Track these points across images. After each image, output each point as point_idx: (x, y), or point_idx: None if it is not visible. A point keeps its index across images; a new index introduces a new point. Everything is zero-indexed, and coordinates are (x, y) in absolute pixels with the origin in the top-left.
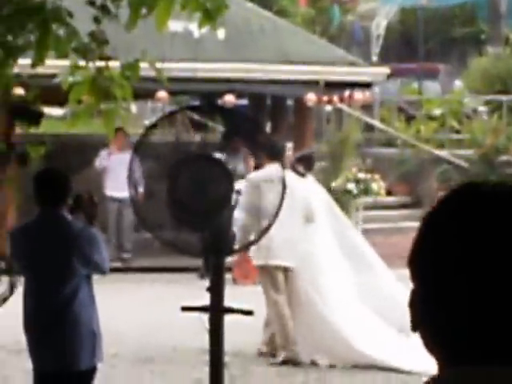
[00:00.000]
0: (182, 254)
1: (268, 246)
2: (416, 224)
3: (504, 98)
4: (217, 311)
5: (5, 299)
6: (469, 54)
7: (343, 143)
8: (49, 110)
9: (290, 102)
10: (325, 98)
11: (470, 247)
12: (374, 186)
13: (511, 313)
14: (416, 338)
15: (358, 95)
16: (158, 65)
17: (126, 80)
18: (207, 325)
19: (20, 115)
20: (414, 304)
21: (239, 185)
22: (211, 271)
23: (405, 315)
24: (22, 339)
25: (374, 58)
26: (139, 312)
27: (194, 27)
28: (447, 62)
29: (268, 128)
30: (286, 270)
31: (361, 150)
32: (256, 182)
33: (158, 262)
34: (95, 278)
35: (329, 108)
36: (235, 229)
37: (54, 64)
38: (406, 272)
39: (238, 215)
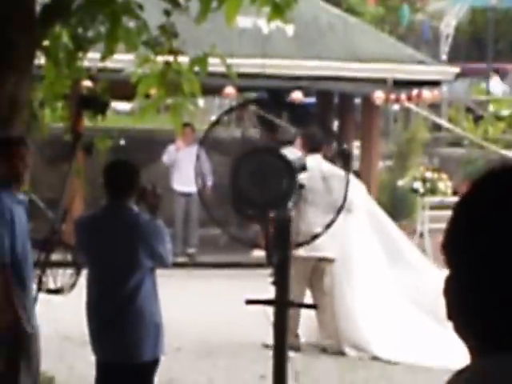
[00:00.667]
0: (248, 248)
1: None
2: None
3: None
4: (282, 304)
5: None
6: None
7: (410, 142)
8: (116, 105)
9: (357, 101)
10: (392, 97)
11: (505, 231)
12: (441, 186)
13: None
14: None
15: (427, 94)
16: (227, 60)
17: (195, 74)
18: (272, 318)
19: (86, 105)
20: (448, 291)
21: (303, 178)
22: (276, 265)
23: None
24: (86, 330)
25: (443, 58)
26: (204, 307)
27: (262, 23)
28: None
29: (335, 126)
30: (327, 261)
31: (428, 149)
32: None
33: (223, 258)
34: (161, 272)
35: (396, 107)
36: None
37: (122, 59)
38: None
39: (303, 208)
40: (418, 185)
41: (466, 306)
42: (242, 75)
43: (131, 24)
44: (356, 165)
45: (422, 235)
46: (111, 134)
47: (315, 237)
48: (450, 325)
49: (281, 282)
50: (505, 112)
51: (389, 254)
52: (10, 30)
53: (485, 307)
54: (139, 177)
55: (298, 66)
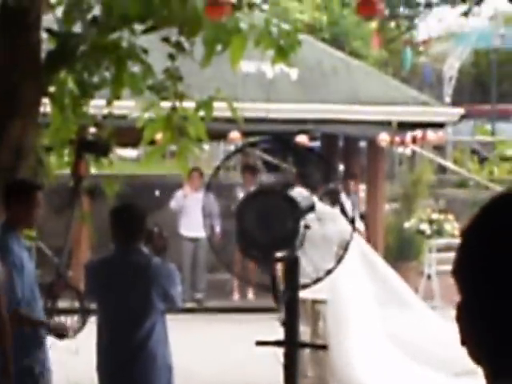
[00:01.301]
0: (258, 290)
1: None
2: None
3: None
4: (292, 345)
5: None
6: None
7: (416, 184)
8: (122, 152)
9: (363, 143)
10: (397, 139)
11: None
12: (448, 227)
13: None
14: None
15: (431, 136)
16: (233, 104)
17: (200, 119)
18: (282, 359)
19: (87, 148)
20: (460, 317)
21: (309, 220)
22: (285, 306)
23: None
24: (96, 377)
25: (447, 100)
26: (212, 350)
27: (267, 67)
28: None
29: (341, 169)
30: (321, 302)
31: (433, 191)
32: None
33: (230, 303)
34: (169, 317)
35: (401, 149)
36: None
37: (127, 105)
38: None
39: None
40: (424, 226)
41: (477, 330)
42: (246, 120)
43: (136, 68)
44: (362, 207)
45: (429, 277)
46: (117, 179)
47: (318, 279)
48: (439, 366)
49: (290, 322)
50: (510, 153)
51: (382, 294)
52: (15, 77)
53: (496, 332)
54: (146, 220)
55: (302, 109)
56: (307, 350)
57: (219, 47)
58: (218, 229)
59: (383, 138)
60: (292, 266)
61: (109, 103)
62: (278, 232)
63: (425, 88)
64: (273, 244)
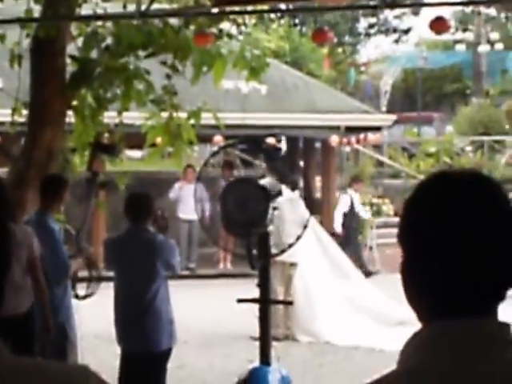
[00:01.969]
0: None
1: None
2: None
3: (485, 138)
4: (265, 302)
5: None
6: (457, 104)
7: (359, 176)
8: (130, 153)
9: (318, 144)
10: (345, 140)
11: (442, 223)
12: (385, 209)
13: (473, 270)
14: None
15: (371, 137)
16: (216, 114)
17: (191, 126)
18: (257, 314)
19: (102, 149)
20: (403, 270)
21: (277, 202)
22: (259, 271)
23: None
24: (113, 329)
25: (383, 109)
26: (203, 308)
27: (242, 84)
28: (440, 111)
29: (301, 165)
30: (294, 265)
31: (373, 180)
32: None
33: (217, 271)
34: (170, 282)
35: (348, 148)
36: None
37: (133, 115)
38: None
39: (276, 225)
40: (366, 208)
41: (416, 280)
42: (227, 126)
43: (141, 86)
44: (318, 195)
45: (371, 248)
46: (127, 175)
47: (290, 245)
48: (378, 319)
49: (263, 283)
50: (432, 150)
51: (331, 268)
52: (46, 93)
53: (428, 279)
54: (153, 204)
55: (270, 117)
56: (280, 306)
57: (205, 68)
58: (207, 212)
59: (334, 139)
60: (264, 239)
61: (119, 114)
62: (253, 213)
63: (366, 100)
64: (249, 222)
